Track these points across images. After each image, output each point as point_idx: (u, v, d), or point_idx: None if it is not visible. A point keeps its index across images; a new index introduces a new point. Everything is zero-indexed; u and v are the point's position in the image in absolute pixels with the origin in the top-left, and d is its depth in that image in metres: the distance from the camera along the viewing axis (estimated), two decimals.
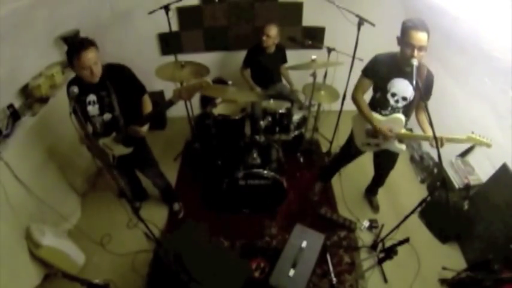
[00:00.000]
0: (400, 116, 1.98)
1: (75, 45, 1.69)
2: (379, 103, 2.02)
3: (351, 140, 2.31)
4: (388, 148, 2.14)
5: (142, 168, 2.37)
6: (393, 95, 1.94)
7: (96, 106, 1.90)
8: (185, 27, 3.23)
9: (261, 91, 3.03)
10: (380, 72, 1.92)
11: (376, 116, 2.04)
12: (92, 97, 1.88)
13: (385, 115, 2.03)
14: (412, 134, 2.05)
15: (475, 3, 2.08)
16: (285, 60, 3.12)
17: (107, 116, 1.93)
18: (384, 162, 2.35)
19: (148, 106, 2.02)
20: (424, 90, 1.80)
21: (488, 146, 1.72)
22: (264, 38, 2.79)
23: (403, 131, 2.01)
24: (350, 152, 2.38)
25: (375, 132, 2.08)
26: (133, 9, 3.04)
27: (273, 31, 2.76)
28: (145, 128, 1.92)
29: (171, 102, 1.73)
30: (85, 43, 1.69)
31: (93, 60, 1.70)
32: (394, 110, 2.00)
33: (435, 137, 1.61)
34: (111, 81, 1.86)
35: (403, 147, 2.10)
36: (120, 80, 1.90)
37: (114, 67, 1.93)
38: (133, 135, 1.91)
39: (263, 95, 2.98)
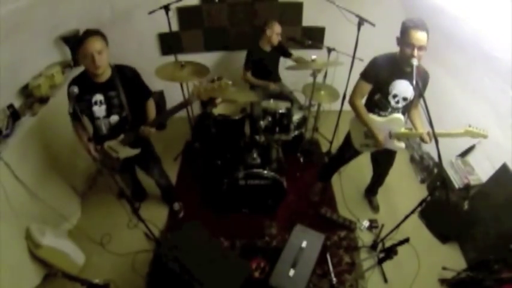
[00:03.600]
0: (400, 116, 1.98)
1: (83, 33, 1.67)
2: (379, 105, 2.01)
3: (348, 141, 2.30)
4: (387, 147, 2.14)
5: (148, 167, 2.34)
6: (394, 96, 1.93)
7: (103, 107, 1.83)
8: (185, 27, 3.23)
9: (276, 85, 3.01)
10: (381, 75, 1.90)
11: (374, 117, 2.03)
12: (98, 97, 1.81)
13: (384, 116, 2.03)
14: (409, 132, 2.04)
15: (475, 3, 2.08)
16: (288, 55, 3.10)
17: (114, 119, 1.88)
18: (383, 160, 2.35)
19: (152, 110, 2.00)
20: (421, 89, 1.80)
21: (485, 136, 1.72)
22: (269, 34, 2.81)
23: (402, 130, 2.01)
24: (348, 153, 2.38)
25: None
26: (133, 9, 3.04)
27: (279, 28, 2.81)
28: (153, 130, 1.88)
29: (187, 102, 1.71)
30: (90, 31, 1.67)
31: (96, 48, 1.65)
32: (394, 110, 2.00)
33: (434, 134, 1.61)
34: (120, 80, 1.81)
35: (402, 145, 2.09)
36: (129, 81, 1.86)
37: (124, 67, 1.90)
38: (143, 136, 1.87)
39: (278, 89, 2.97)
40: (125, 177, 2.42)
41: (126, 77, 1.86)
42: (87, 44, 1.63)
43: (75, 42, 1.68)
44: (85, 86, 1.62)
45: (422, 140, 1.86)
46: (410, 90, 1.90)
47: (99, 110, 1.85)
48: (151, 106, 2.01)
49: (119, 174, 2.17)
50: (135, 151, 2.02)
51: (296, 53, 3.17)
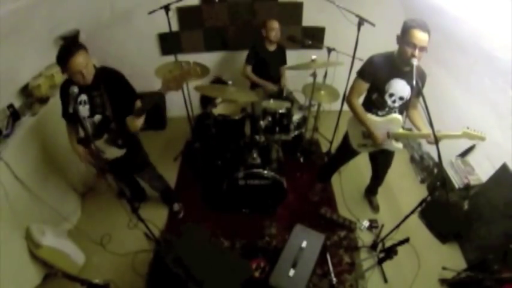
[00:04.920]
0: (398, 116, 1.97)
1: (62, 52, 1.64)
2: (376, 104, 2.00)
3: (346, 141, 2.29)
4: (385, 147, 2.14)
5: (137, 172, 2.35)
6: (391, 95, 1.93)
7: (87, 106, 1.87)
8: (185, 27, 3.23)
9: (274, 86, 3.02)
10: (377, 74, 1.90)
11: (372, 117, 2.03)
12: (83, 97, 1.85)
13: (382, 115, 2.02)
14: (408, 133, 2.04)
15: (476, 3, 2.08)
16: (284, 62, 3.12)
17: (97, 118, 1.90)
18: (381, 161, 2.35)
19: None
20: (418, 88, 1.80)
21: (482, 139, 1.73)
22: (265, 31, 2.84)
23: (401, 130, 2.01)
24: (346, 153, 2.38)
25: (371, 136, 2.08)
26: (133, 9, 3.04)
27: (276, 24, 2.83)
28: (140, 122, 1.83)
29: (160, 94, 1.69)
30: (72, 49, 1.65)
31: (83, 65, 1.67)
32: (391, 110, 2.00)
33: (434, 135, 1.61)
34: (104, 82, 1.84)
35: (399, 145, 2.09)
36: (113, 83, 1.87)
37: (109, 70, 1.91)
38: (129, 127, 1.83)
39: (276, 90, 2.98)
40: (118, 178, 2.41)
41: (110, 79, 1.87)
42: (72, 63, 1.63)
43: (57, 61, 1.65)
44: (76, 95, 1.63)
45: (428, 141, 1.85)
46: (407, 90, 1.90)
47: (83, 110, 1.87)
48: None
49: (111, 175, 2.16)
50: (121, 151, 2.03)
51: (296, 53, 3.18)
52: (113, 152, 2.01)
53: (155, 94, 1.70)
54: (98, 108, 1.88)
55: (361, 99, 2.10)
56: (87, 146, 1.89)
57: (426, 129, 1.91)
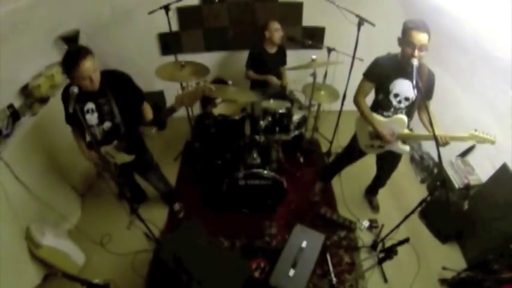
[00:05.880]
0: (402, 117, 1.97)
1: (70, 56, 1.60)
2: (382, 105, 2.01)
3: (354, 141, 2.30)
4: (392, 149, 2.13)
5: (144, 174, 2.34)
6: (396, 95, 1.94)
7: (95, 114, 1.84)
8: (185, 27, 3.23)
9: (277, 80, 3.01)
10: (381, 75, 1.92)
11: (378, 117, 2.03)
12: (90, 105, 1.82)
13: (388, 116, 2.03)
14: (415, 134, 2.04)
15: (476, 3, 2.08)
16: (284, 63, 3.12)
17: (107, 125, 1.88)
18: (387, 163, 2.35)
19: (149, 113, 1.98)
20: (426, 90, 1.81)
21: (492, 142, 1.69)
22: (269, 33, 2.83)
23: (406, 131, 2.01)
24: (353, 153, 2.37)
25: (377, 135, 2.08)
26: (133, 9, 3.04)
27: (278, 25, 2.84)
28: (154, 130, 1.83)
29: (173, 109, 1.67)
30: (81, 53, 1.60)
31: (91, 69, 1.64)
32: (397, 110, 2.00)
33: (435, 137, 1.61)
34: (110, 88, 1.81)
35: (406, 148, 2.08)
36: (119, 87, 1.84)
37: (113, 73, 1.87)
38: (144, 134, 1.81)
39: (279, 83, 2.99)
40: (123, 181, 2.40)
41: (116, 82, 1.84)
42: (81, 68, 1.60)
43: (64, 65, 1.63)
44: (78, 95, 1.57)
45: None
46: (412, 90, 1.90)
47: (92, 118, 1.85)
48: (147, 108, 1.99)
49: (118, 179, 2.16)
50: (130, 157, 2.02)
51: (296, 53, 3.18)
52: (122, 157, 2.00)
53: (168, 110, 1.69)
54: (107, 116, 1.86)
55: (369, 102, 2.10)
56: (97, 151, 1.86)
57: (439, 131, 1.83)
